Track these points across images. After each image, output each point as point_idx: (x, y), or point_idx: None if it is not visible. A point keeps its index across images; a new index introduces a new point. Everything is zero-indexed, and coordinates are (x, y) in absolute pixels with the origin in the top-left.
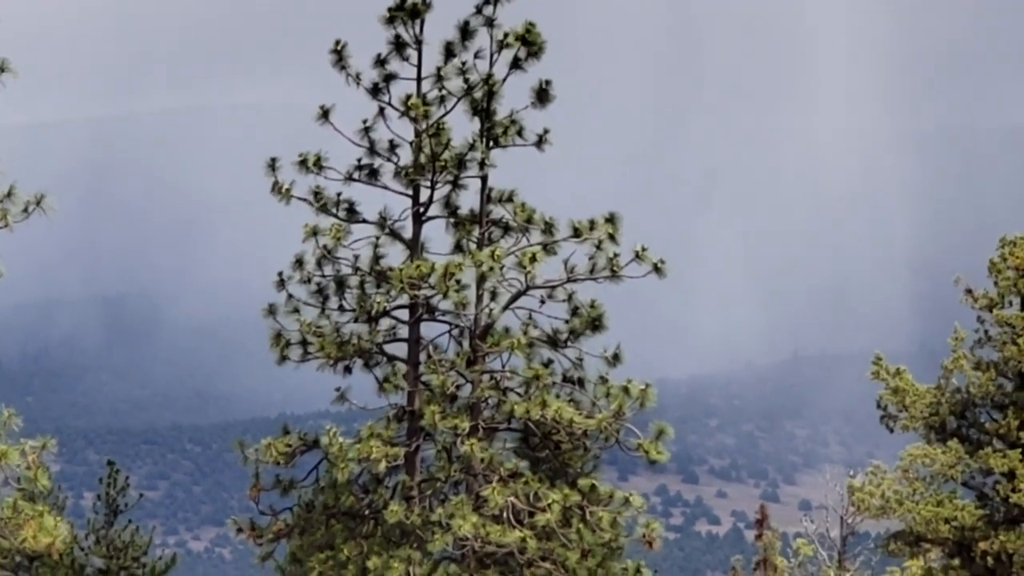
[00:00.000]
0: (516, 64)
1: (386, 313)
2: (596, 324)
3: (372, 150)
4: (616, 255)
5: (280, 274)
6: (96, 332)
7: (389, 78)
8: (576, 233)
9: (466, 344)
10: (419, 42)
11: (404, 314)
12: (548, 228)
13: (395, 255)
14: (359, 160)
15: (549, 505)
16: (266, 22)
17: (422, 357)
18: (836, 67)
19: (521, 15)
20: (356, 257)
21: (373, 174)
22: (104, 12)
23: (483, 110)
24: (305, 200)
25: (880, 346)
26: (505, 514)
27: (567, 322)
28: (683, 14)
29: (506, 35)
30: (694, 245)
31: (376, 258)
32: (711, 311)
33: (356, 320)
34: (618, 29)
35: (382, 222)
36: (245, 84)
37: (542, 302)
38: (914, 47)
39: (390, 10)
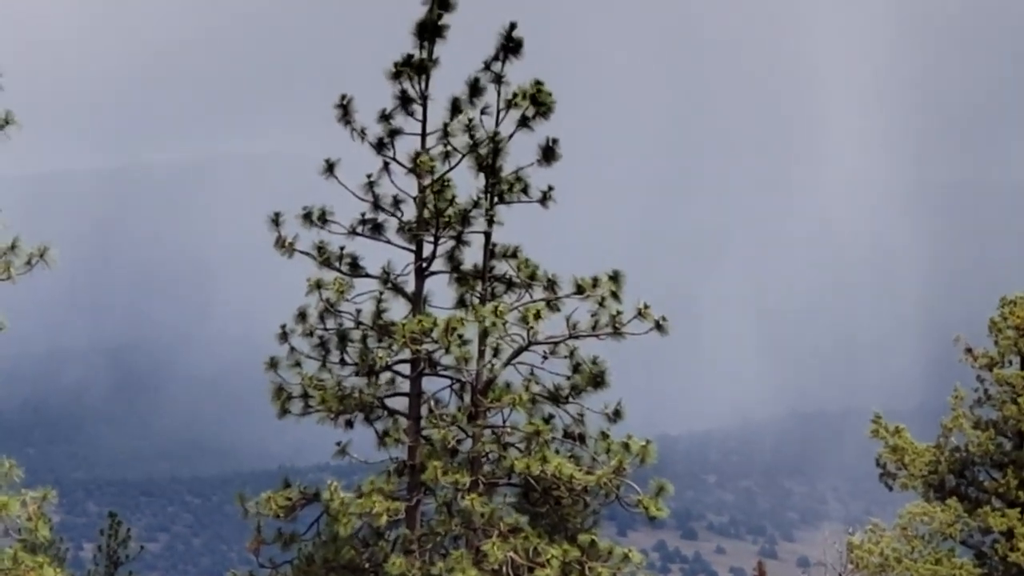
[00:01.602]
0: (524, 122)
1: (388, 367)
2: (598, 380)
3: (376, 205)
4: (619, 312)
5: (283, 327)
6: (98, 383)
7: (394, 133)
8: (579, 290)
9: (467, 399)
10: (425, 98)
11: (406, 368)
12: (551, 284)
13: (397, 310)
14: (363, 214)
15: (548, 560)
16: (274, 74)
17: (423, 411)
18: (847, 124)
19: (533, 70)
20: (358, 311)
21: (377, 229)
22: (111, 64)
23: (488, 167)
24: (308, 254)
25: (884, 404)
26: (505, 569)
27: (569, 378)
28: (693, 68)
29: (515, 94)
30: (701, 301)
31: (378, 312)
32: (713, 368)
33: (358, 374)
34: (627, 84)
35: (385, 277)
36: (253, 136)
37: (544, 358)
38: (926, 104)
39: (396, 65)
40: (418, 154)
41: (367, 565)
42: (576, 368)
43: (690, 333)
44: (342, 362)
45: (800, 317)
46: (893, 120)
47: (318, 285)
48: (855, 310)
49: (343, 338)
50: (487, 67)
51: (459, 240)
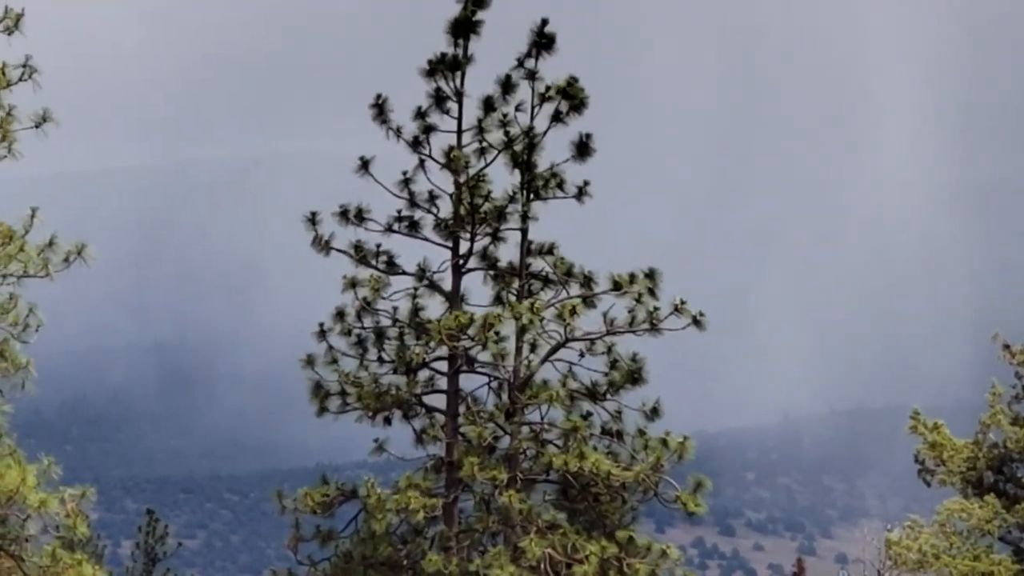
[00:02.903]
0: (557, 117)
1: (425, 365)
2: (635, 377)
3: (412, 202)
4: (656, 308)
5: (320, 325)
6: (142, 382)
7: (429, 130)
8: (616, 286)
9: (505, 396)
10: (460, 94)
11: (443, 366)
12: (587, 281)
13: (434, 307)
14: (399, 212)
15: (587, 557)
16: (320, 72)
17: (461, 409)
18: (897, 123)
19: (583, 64)
20: (395, 309)
21: (413, 226)
22: (160, 62)
23: (524, 163)
24: (345, 252)
25: (931, 401)
26: (543, 565)
27: (606, 375)
28: (744, 67)
29: (548, 88)
30: (750, 299)
31: (415, 310)
32: (761, 365)
33: (395, 371)
34: (677, 82)
35: (421, 274)
36: (300, 135)
37: (581, 355)
38: (978, 101)
39: (431, 63)
40: (450, 148)
41: (405, 562)
42: (614, 364)
43: (739, 330)
44: (380, 360)
45: (849, 315)
46: (943, 119)
47: (354, 283)
48: (904, 308)
49: (380, 335)
50: (520, 64)
51: (495, 236)
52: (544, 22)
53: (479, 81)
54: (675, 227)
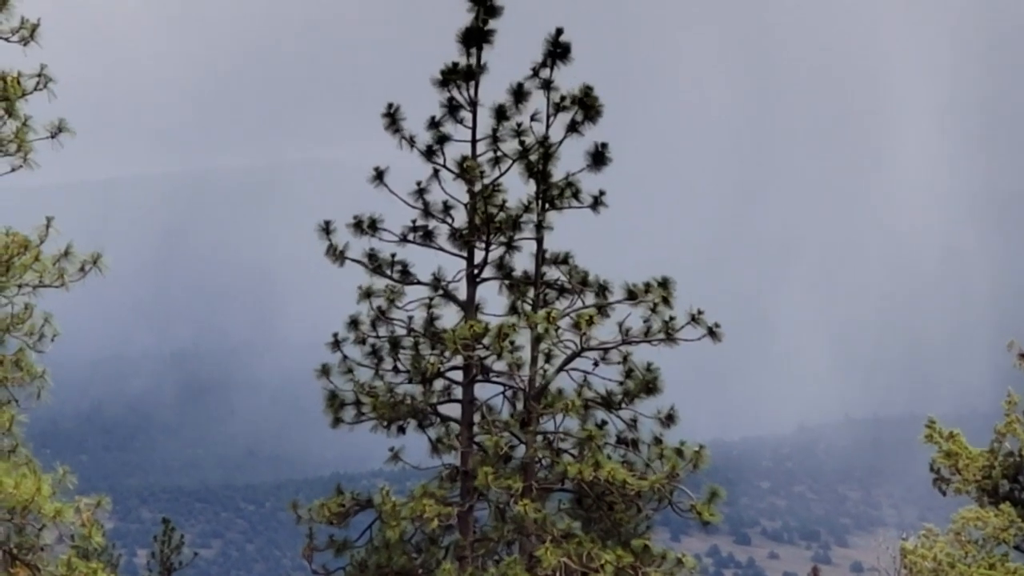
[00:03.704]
0: (573, 127)
1: (440, 374)
2: (650, 386)
3: (427, 212)
4: (672, 318)
5: (335, 335)
6: (160, 391)
7: (443, 140)
8: (631, 296)
9: (520, 405)
10: (474, 104)
11: (458, 375)
12: (602, 290)
13: (449, 316)
14: (414, 221)
15: (602, 566)
16: (343, 82)
17: (476, 418)
18: (918, 132)
19: (598, 78)
20: (410, 318)
21: (428, 235)
22: (179, 71)
23: (539, 172)
24: (359, 262)
25: (952, 411)
26: (558, 574)
27: (621, 384)
28: (763, 79)
29: (563, 97)
30: (770, 308)
31: (430, 319)
32: (780, 375)
33: (410, 381)
34: (696, 91)
35: (436, 283)
36: (321, 143)
37: (596, 364)
38: (999, 110)
39: (444, 73)
40: (464, 158)
41: (420, 571)
42: (629, 374)
43: (757, 339)
44: (395, 369)
45: (867, 324)
46: (964, 128)
47: (369, 293)
48: (923, 317)
49: (395, 345)
50: (535, 73)
51: (510, 246)
52: (559, 31)
53: (494, 87)
54: (694, 236)
